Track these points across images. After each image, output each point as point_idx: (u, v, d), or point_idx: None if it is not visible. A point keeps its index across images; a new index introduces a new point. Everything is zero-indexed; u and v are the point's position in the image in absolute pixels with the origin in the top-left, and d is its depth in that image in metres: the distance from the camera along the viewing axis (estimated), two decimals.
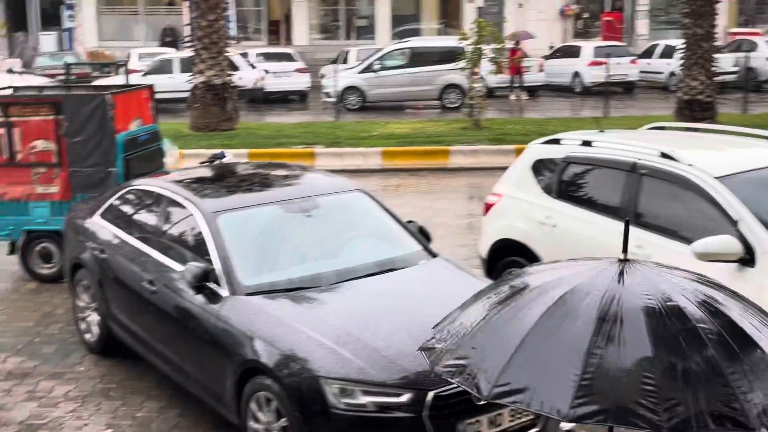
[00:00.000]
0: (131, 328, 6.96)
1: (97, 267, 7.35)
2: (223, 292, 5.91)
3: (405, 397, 4.99)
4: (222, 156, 11.04)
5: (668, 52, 28.34)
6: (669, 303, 2.69)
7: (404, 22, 36.65)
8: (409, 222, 7.03)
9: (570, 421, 2.55)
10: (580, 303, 2.71)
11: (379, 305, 5.80)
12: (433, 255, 6.66)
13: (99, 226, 7.55)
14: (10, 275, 9.99)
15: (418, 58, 25.41)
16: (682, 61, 19.48)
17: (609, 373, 2.54)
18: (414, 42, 27.21)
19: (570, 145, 7.52)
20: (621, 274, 2.84)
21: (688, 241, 6.24)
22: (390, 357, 5.17)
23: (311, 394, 5.07)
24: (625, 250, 3.01)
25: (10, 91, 10.74)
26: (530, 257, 7.49)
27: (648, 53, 30.60)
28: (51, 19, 36.79)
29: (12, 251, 9.82)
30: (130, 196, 7.50)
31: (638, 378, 2.49)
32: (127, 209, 7.45)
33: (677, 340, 2.58)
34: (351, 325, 5.46)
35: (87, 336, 7.69)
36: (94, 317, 7.52)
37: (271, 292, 5.88)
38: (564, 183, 7.41)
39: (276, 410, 5.30)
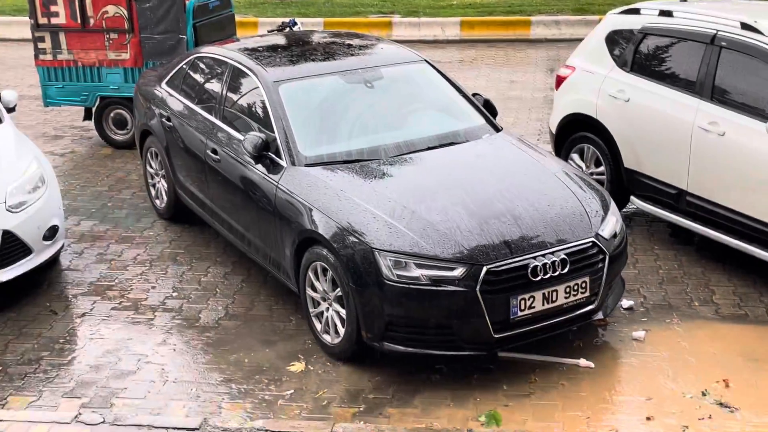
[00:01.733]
0: (197, 196, 7.06)
1: (163, 134, 7.42)
2: (283, 162, 5.91)
3: (458, 271, 4.97)
4: (293, 24, 10.91)
5: None
6: None
7: None
8: (475, 95, 6.85)
9: None
10: None
11: (436, 179, 5.72)
12: (498, 129, 6.51)
13: (166, 93, 7.57)
14: (86, 141, 10.20)
15: None
16: None
17: None
18: None
19: (649, 15, 7.15)
20: None
21: (765, 118, 5.96)
22: (444, 231, 5.13)
23: (365, 265, 5.08)
24: None
25: None
26: (601, 133, 7.27)
27: None
28: None
29: (87, 117, 10.00)
30: (196, 64, 7.46)
31: None
32: (192, 77, 7.43)
33: None
34: (407, 198, 5.42)
35: (157, 202, 7.85)
36: (163, 184, 7.65)
37: (330, 163, 5.85)
38: (639, 56, 7.08)
39: (332, 280, 5.35)
